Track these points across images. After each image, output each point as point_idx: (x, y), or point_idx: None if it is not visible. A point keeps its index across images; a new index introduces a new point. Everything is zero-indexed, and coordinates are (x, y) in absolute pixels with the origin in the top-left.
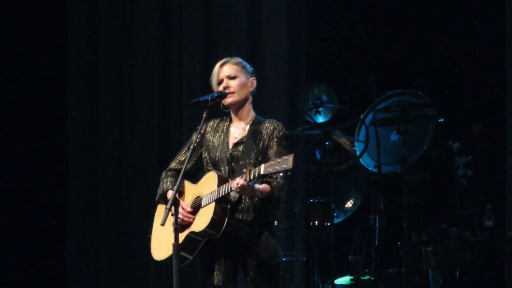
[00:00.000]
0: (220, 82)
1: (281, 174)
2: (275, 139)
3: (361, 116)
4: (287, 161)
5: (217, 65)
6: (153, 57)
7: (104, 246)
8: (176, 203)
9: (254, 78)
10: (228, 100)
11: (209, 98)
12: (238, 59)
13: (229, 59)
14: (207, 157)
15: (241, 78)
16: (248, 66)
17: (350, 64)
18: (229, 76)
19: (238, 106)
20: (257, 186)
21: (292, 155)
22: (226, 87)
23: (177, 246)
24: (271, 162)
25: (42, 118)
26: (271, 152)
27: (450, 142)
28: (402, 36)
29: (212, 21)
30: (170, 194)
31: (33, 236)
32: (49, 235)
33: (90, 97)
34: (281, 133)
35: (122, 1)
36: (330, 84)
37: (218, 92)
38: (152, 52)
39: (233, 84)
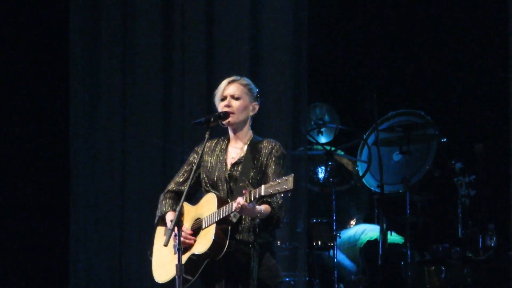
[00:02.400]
0: (223, 98)
1: (281, 195)
2: (273, 158)
3: (364, 136)
4: (287, 182)
5: (225, 81)
6: (155, 77)
7: (107, 268)
8: (179, 224)
9: (257, 103)
10: (227, 120)
11: (211, 118)
12: (247, 81)
13: (238, 78)
14: (206, 177)
15: (244, 101)
16: (255, 90)
17: (352, 84)
18: (233, 96)
19: (236, 127)
20: (258, 208)
21: (292, 175)
22: (227, 106)
23: (180, 267)
24: (271, 183)
25: (44, 144)
26: (270, 171)
27: (452, 162)
28: (404, 56)
29: (213, 41)
30: (168, 216)
31: (34, 249)
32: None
33: (93, 120)
34: (279, 152)
35: (123, 22)
36: (332, 105)
37: (220, 112)
38: (154, 72)
39: (235, 105)
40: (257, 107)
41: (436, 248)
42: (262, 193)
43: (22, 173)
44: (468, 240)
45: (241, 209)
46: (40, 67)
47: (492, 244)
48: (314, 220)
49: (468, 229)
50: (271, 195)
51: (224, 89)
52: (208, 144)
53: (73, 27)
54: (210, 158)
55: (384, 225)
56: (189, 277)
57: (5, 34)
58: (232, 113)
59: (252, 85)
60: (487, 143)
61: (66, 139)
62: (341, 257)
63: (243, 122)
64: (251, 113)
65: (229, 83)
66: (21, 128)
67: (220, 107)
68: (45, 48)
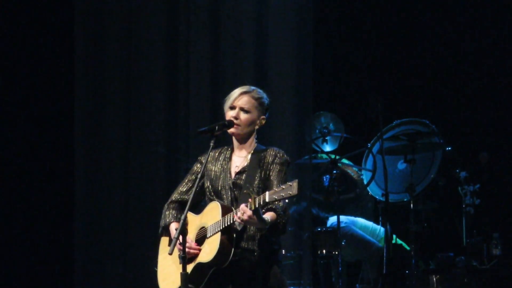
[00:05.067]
0: (232, 107)
1: (286, 200)
2: (276, 165)
3: (368, 144)
4: (292, 187)
5: (238, 90)
6: (160, 85)
7: (111, 277)
8: (184, 232)
9: (265, 117)
10: (231, 130)
11: (216, 127)
12: (260, 94)
13: (251, 90)
14: (209, 186)
15: (253, 115)
16: (266, 102)
17: (357, 93)
18: (243, 108)
19: (241, 138)
20: (265, 217)
21: (296, 180)
22: (235, 117)
23: (185, 275)
24: (275, 189)
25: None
26: (273, 178)
27: (457, 171)
28: (409, 65)
29: (219, 50)
30: (173, 226)
31: (39, 255)
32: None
33: (97, 128)
34: (282, 159)
35: (129, 30)
36: (337, 113)
37: (226, 121)
38: (159, 81)
39: (243, 117)
40: (264, 122)
41: (441, 257)
42: (267, 200)
43: (27, 183)
44: (473, 249)
45: (245, 218)
46: (45, 77)
47: (497, 253)
48: (319, 229)
49: (473, 238)
50: (275, 201)
51: (235, 99)
52: (211, 153)
53: (78, 34)
54: (214, 167)
55: (389, 234)
56: (195, 287)
57: (9, 39)
58: (238, 125)
59: (264, 98)
60: (492, 152)
61: (70, 147)
62: (359, 232)
63: (248, 135)
64: (257, 127)
65: (242, 93)
66: (25, 138)
67: (228, 115)
68: (49, 56)
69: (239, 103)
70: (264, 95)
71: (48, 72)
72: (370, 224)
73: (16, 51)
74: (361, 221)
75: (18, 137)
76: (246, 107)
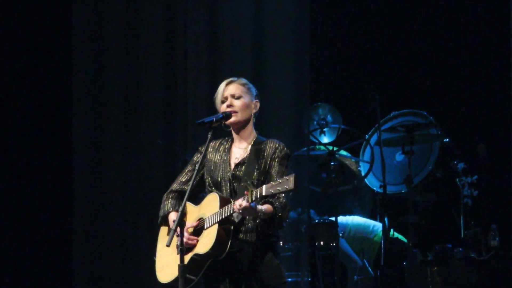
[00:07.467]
0: (224, 100)
1: (283, 194)
2: (277, 159)
3: (366, 136)
4: (289, 182)
5: (223, 84)
6: (158, 78)
7: (110, 269)
8: (181, 224)
9: (257, 101)
10: (231, 119)
11: (214, 119)
12: (244, 80)
13: (235, 79)
14: (209, 177)
15: (245, 99)
16: (253, 89)
17: (355, 84)
18: (234, 95)
19: (240, 126)
20: (259, 207)
21: (293, 175)
22: (229, 106)
23: (182, 267)
24: (273, 183)
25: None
26: (273, 171)
27: (455, 162)
28: (407, 57)
29: (217, 42)
30: (171, 216)
31: (38, 256)
32: (53, 258)
33: (95, 120)
34: (282, 153)
35: (127, 24)
36: (335, 105)
37: (222, 113)
38: (157, 74)
39: (237, 104)
40: (258, 105)
41: (439, 249)
42: (264, 193)
43: (24, 178)
44: (470, 241)
45: (243, 210)
46: (43, 71)
47: (495, 244)
48: (317, 220)
49: (471, 230)
50: (272, 195)
51: (223, 91)
52: (212, 144)
53: (76, 28)
54: (213, 158)
55: (387, 226)
56: (193, 277)
57: (7, 36)
58: (235, 112)
59: (250, 85)
60: (490, 143)
61: (69, 140)
62: (346, 246)
63: (247, 121)
64: (254, 111)
65: (228, 84)
66: (23, 131)
67: (222, 109)
68: (48, 50)
69: (228, 92)
70: (250, 83)
71: (46, 66)
72: (363, 221)
73: (13, 47)
74: (354, 219)
75: (17, 130)
76: (236, 93)
